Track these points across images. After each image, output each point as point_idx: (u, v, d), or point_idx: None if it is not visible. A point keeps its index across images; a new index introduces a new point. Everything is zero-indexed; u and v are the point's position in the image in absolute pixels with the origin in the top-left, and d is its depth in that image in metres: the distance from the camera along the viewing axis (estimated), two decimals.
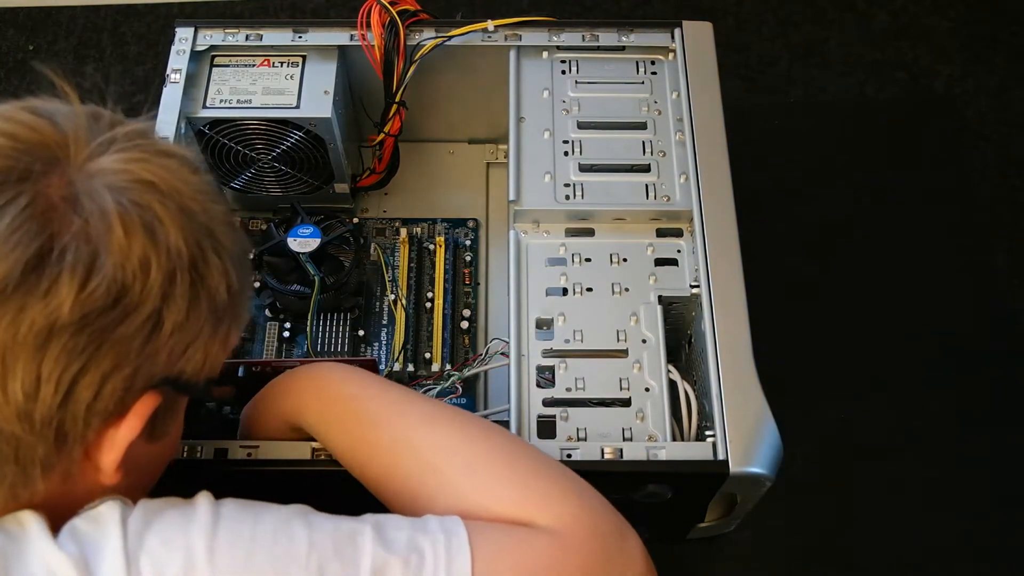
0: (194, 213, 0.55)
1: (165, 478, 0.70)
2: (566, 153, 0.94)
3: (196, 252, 0.55)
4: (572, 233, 0.92)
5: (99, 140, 0.55)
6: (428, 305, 1.05)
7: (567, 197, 0.92)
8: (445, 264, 1.06)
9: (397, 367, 1.00)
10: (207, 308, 0.56)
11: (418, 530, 0.59)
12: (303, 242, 0.99)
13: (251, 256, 1.03)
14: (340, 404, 0.72)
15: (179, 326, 0.54)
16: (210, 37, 0.99)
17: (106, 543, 0.53)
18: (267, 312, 1.04)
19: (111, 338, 0.51)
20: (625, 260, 0.90)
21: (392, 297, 1.05)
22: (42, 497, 0.56)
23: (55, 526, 0.55)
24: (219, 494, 0.61)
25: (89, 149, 0.54)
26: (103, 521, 0.55)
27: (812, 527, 1.04)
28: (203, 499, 0.58)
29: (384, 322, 1.04)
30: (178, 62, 0.97)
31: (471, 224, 1.11)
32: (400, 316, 1.03)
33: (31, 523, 0.54)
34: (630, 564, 0.64)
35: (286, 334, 1.03)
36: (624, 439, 0.81)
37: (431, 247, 1.08)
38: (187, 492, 0.62)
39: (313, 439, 0.75)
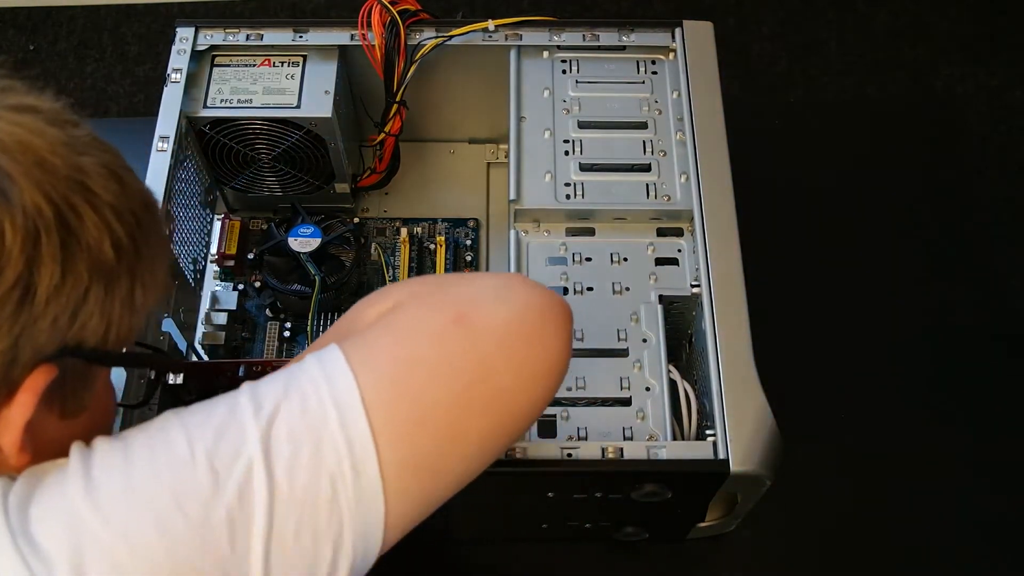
0: (54, 167, 0.51)
1: None
2: (567, 152, 0.94)
3: (63, 208, 0.50)
4: (572, 232, 0.92)
5: None
6: None
7: (568, 196, 0.92)
8: (446, 264, 1.06)
9: None
10: (88, 268, 0.52)
11: (293, 372, 0.56)
12: (304, 242, 0.99)
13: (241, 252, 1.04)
14: None
15: (56, 291, 0.50)
16: (211, 37, 0.99)
17: None
18: (268, 312, 1.04)
19: None
20: (626, 260, 0.90)
21: None
22: None
23: None
24: None
25: None
26: None
27: (812, 527, 1.04)
28: (73, 450, 0.54)
29: None
30: (179, 62, 0.97)
31: (471, 224, 1.11)
32: None
33: None
34: (516, 293, 0.61)
35: (287, 334, 1.03)
36: (625, 438, 0.81)
37: (432, 247, 1.08)
38: None
39: None
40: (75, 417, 0.58)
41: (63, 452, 0.56)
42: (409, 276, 1.06)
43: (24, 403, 0.52)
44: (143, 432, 0.54)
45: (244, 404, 0.54)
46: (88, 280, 0.52)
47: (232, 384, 0.89)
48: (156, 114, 0.94)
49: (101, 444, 0.54)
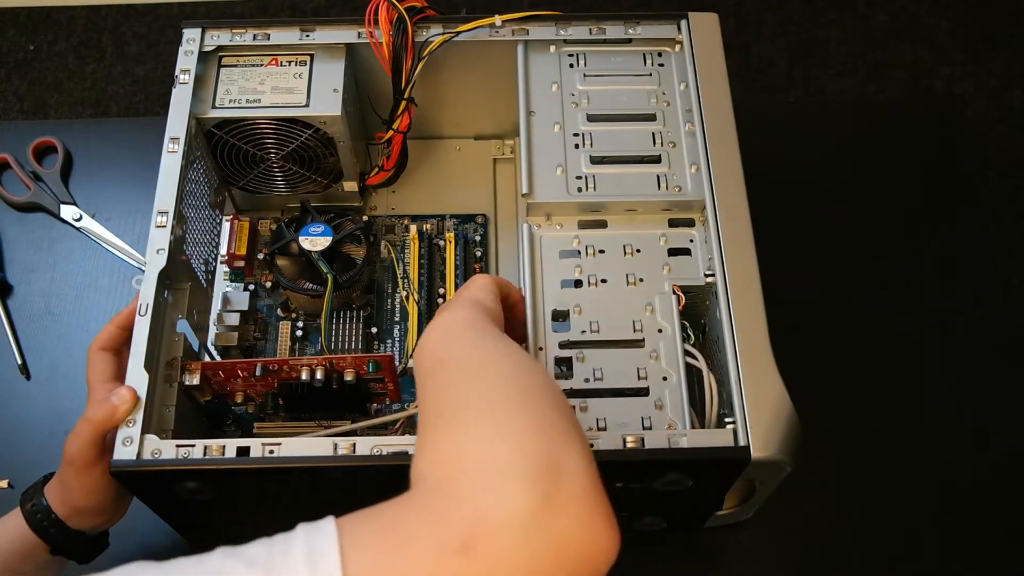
0: None
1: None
2: (577, 146, 0.94)
3: None
4: (585, 225, 0.92)
5: None
6: (440, 301, 1.04)
7: (579, 189, 0.92)
8: (456, 260, 1.06)
9: (411, 363, 1.00)
10: None
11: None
12: (314, 240, 0.99)
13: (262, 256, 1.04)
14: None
15: None
16: (217, 38, 0.99)
17: None
18: (279, 311, 1.03)
19: None
20: (638, 251, 0.90)
21: (404, 293, 1.04)
22: None
23: None
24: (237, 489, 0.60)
25: None
26: None
27: (829, 516, 1.03)
28: None
29: (396, 318, 1.04)
30: (186, 63, 0.97)
31: (480, 220, 1.11)
32: (413, 312, 1.03)
33: None
34: (553, 526, 0.51)
35: (299, 333, 1.02)
36: (644, 428, 0.81)
37: (441, 243, 1.08)
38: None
39: None
40: None
41: None
42: (419, 274, 1.05)
43: None
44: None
45: None
46: None
47: (247, 384, 0.88)
48: (157, 114, 0.94)
49: None
